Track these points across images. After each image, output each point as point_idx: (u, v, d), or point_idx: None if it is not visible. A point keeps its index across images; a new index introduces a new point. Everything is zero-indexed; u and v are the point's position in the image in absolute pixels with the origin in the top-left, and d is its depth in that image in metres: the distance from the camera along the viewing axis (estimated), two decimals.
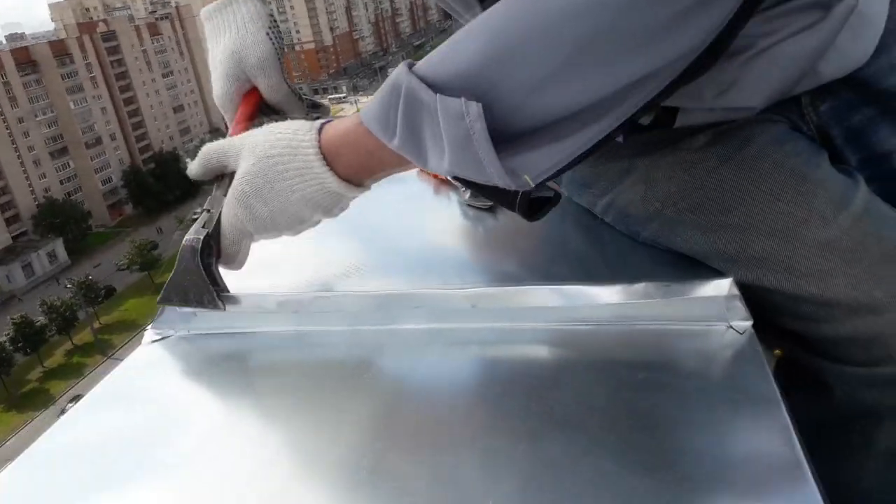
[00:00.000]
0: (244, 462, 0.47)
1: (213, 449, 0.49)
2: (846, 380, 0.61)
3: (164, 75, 65.83)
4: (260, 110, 0.72)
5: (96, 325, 39.52)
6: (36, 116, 54.24)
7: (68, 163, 56.92)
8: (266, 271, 0.72)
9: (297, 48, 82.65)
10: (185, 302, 0.64)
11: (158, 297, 0.65)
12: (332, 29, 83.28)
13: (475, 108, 0.45)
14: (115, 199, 58.20)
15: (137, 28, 64.90)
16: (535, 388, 0.53)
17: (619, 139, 0.69)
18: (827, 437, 0.62)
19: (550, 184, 0.53)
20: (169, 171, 53.39)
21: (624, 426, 0.46)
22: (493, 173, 0.48)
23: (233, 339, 0.64)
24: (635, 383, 0.51)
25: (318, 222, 0.63)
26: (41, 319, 35.72)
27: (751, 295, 0.59)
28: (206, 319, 0.65)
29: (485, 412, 0.50)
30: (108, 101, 60.38)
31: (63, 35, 61.90)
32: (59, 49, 57.30)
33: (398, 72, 0.50)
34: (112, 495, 0.45)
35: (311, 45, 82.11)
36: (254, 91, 0.72)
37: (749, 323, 0.56)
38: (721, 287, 0.56)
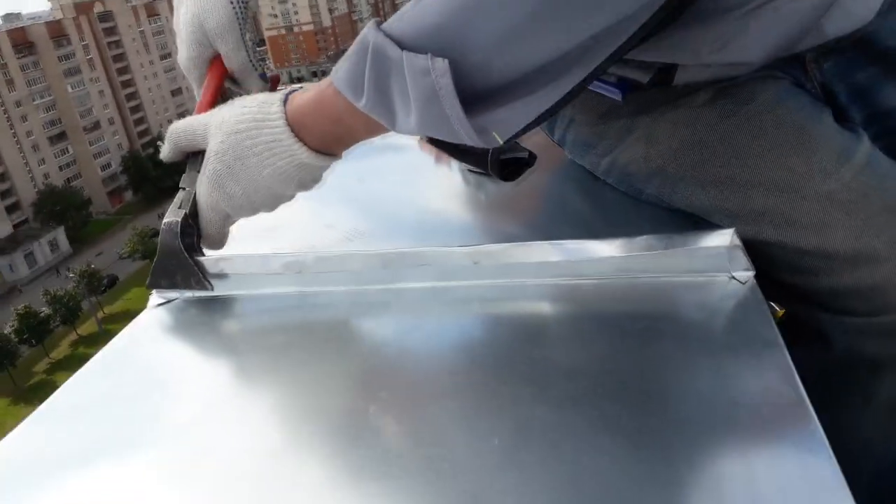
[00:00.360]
0: (247, 423, 0.48)
1: (216, 412, 0.50)
2: (846, 331, 0.61)
3: (162, 57, 65.39)
4: (227, 77, 0.71)
5: (100, 314, 39.64)
6: (34, 100, 54.01)
7: (67, 148, 56.82)
8: (268, 238, 0.73)
9: (296, 30, 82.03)
10: (174, 285, 0.65)
11: (147, 282, 0.66)
12: (330, 10, 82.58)
13: (441, 63, 0.45)
14: (115, 185, 58.14)
15: (134, 9, 64.37)
16: (537, 340, 0.53)
17: (619, 99, 0.69)
18: (828, 389, 0.63)
19: (526, 143, 0.53)
20: None
21: (626, 371, 0.47)
22: (461, 130, 0.48)
23: (236, 302, 0.65)
24: (638, 332, 0.52)
25: (292, 196, 0.63)
26: (45, 310, 35.83)
27: (751, 250, 0.59)
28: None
29: (490, 363, 0.51)
30: (105, 84, 60.11)
31: (59, 16, 61.38)
32: (55, 30, 56.93)
33: (366, 30, 0.50)
34: (116, 459, 0.46)
35: (310, 27, 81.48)
36: (219, 60, 0.71)
37: (751, 273, 0.56)
38: (723, 238, 0.56)
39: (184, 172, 0.65)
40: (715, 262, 0.57)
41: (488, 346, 0.54)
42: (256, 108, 0.58)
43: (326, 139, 0.58)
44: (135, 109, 62.55)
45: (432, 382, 0.50)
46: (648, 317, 0.54)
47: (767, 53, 0.63)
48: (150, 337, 0.62)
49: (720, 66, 0.64)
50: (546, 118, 0.49)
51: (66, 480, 0.45)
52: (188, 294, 0.65)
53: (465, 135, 0.48)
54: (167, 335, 0.63)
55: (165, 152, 0.65)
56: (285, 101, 0.58)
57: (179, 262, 0.63)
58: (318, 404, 0.49)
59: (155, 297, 0.66)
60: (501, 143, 0.50)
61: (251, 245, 0.68)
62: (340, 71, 0.52)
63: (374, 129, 0.55)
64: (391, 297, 0.62)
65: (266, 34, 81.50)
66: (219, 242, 0.65)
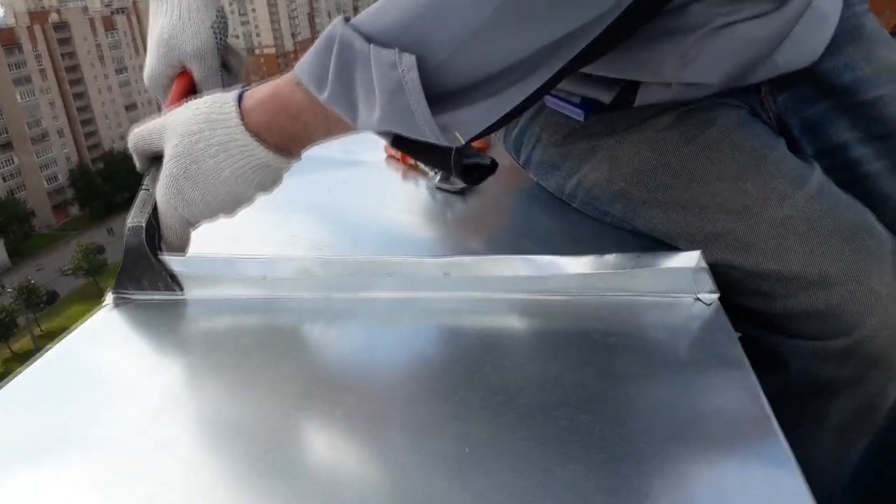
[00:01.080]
0: (200, 426, 0.46)
1: (167, 420, 0.47)
2: (801, 354, 0.63)
3: (118, 71, 64.23)
4: (192, 92, 0.70)
5: (37, 331, 38.05)
6: None
7: (12, 158, 54.95)
8: (232, 247, 0.71)
9: (257, 52, 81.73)
10: (141, 288, 0.63)
11: (113, 285, 0.63)
12: (293, 35, 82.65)
13: (408, 58, 0.46)
14: (61, 199, 56.33)
15: (92, 20, 63.24)
16: (507, 351, 0.53)
17: (580, 119, 0.71)
18: (784, 412, 0.64)
19: (487, 146, 0.53)
20: (119, 171, 51.80)
21: (595, 382, 0.47)
22: (425, 126, 0.48)
23: (196, 306, 0.63)
24: (606, 346, 0.52)
25: (252, 199, 0.61)
26: None
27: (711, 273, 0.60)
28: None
29: (459, 371, 0.50)
30: (56, 94, 58.61)
31: (12, 23, 59.81)
32: (7, 37, 55.45)
33: (334, 24, 0.50)
34: (52, 460, 0.43)
35: (272, 50, 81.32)
36: (186, 73, 0.70)
37: (716, 295, 0.57)
38: (689, 259, 0.57)
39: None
40: (681, 283, 0.58)
41: (458, 355, 0.53)
42: (209, 108, 0.56)
43: (283, 137, 0.56)
44: (86, 122, 61.01)
45: (401, 389, 0.49)
46: (616, 333, 0.54)
47: (726, 76, 0.66)
48: (101, 337, 0.60)
49: (681, 87, 0.66)
50: (508, 120, 0.50)
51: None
52: (147, 295, 0.63)
53: (429, 131, 0.49)
54: (120, 336, 0.60)
55: (137, 163, 0.63)
56: (240, 100, 0.56)
57: (147, 265, 0.61)
58: (280, 408, 0.47)
59: (110, 298, 0.63)
60: (463, 142, 0.50)
61: (213, 252, 0.66)
62: (304, 63, 0.52)
63: (332, 128, 0.55)
64: (358, 305, 0.61)
65: None
66: (180, 248, 0.63)
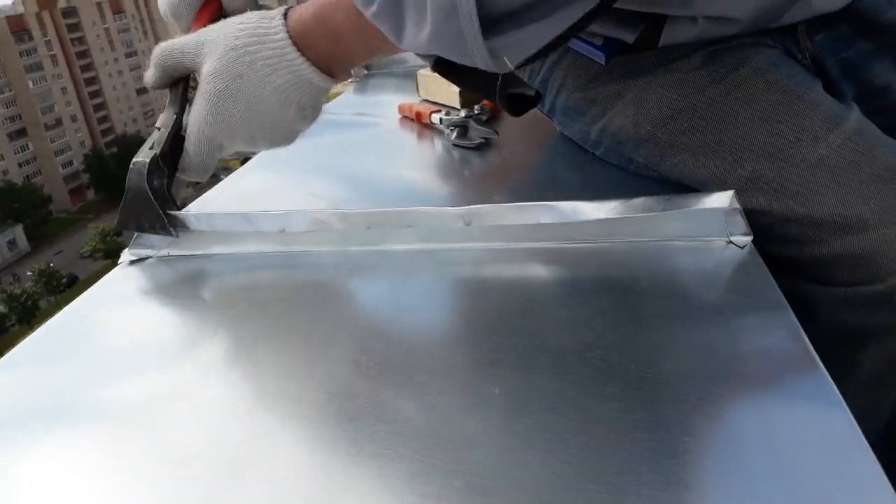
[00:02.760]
0: (223, 390, 0.44)
1: (186, 377, 0.45)
2: (830, 302, 0.61)
3: (128, 55, 64.16)
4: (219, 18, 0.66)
5: None
6: None
7: (27, 145, 55.35)
8: (250, 204, 0.70)
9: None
10: (140, 227, 0.61)
11: (115, 222, 0.63)
12: None
13: None
14: (77, 183, 56.75)
15: (99, 5, 63.13)
16: (534, 297, 0.51)
17: (602, 61, 0.68)
18: None
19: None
20: (132, 155, 51.93)
21: (628, 326, 0.45)
22: (475, 50, 0.46)
23: (214, 261, 0.61)
24: (637, 291, 0.50)
25: (290, 129, 0.59)
26: (1, 308, 34.76)
27: None
28: (186, 240, 0.62)
29: (485, 318, 0.49)
30: (68, 80, 58.79)
31: (21, 10, 59.83)
32: (17, 25, 55.53)
33: None
34: (60, 428, 0.42)
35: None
36: (212, 3, 0.67)
37: (749, 238, 0.55)
38: (722, 200, 0.55)
39: None
40: (712, 226, 0.56)
41: (483, 304, 0.51)
42: (256, 22, 0.55)
43: (325, 56, 0.55)
44: (98, 107, 61.16)
45: (427, 336, 0.48)
46: (646, 278, 0.52)
47: (756, 10, 0.63)
48: (116, 298, 0.59)
49: (708, 22, 0.63)
50: (556, 47, 0.48)
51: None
52: (164, 251, 0.62)
53: (478, 56, 0.47)
54: (136, 296, 0.59)
55: (151, 77, 0.61)
56: (286, 15, 0.55)
57: (144, 204, 0.60)
58: (303, 359, 0.46)
59: (126, 255, 0.62)
60: (511, 67, 0.48)
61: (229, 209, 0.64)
62: None
63: (374, 49, 0.54)
64: (378, 258, 0.59)
65: None
66: (203, 171, 0.61)
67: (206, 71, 0.56)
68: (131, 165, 0.60)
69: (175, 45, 0.59)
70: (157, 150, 0.59)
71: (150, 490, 0.35)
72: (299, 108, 0.57)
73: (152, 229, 0.61)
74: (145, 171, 0.59)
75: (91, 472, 0.37)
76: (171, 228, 0.60)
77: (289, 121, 0.58)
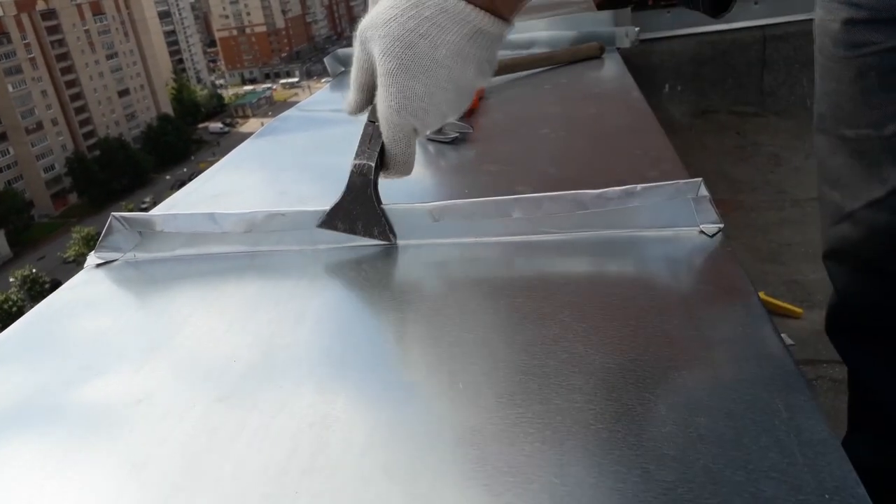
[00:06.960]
0: (184, 392, 0.44)
1: (147, 381, 0.44)
2: None
3: (109, 57, 63.48)
4: None
5: None
6: None
7: (7, 149, 54.67)
8: (220, 205, 0.69)
9: (248, 31, 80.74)
10: (353, 230, 0.59)
11: (319, 222, 0.59)
12: (284, 12, 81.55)
13: None
14: (59, 187, 56.12)
15: (79, 7, 62.43)
16: (500, 291, 0.51)
17: None
18: None
19: None
20: (115, 158, 51.52)
21: (595, 317, 0.44)
22: None
23: (180, 262, 0.61)
24: (606, 282, 0.50)
25: (472, 91, 0.54)
26: None
27: None
28: (153, 242, 0.61)
29: (452, 314, 0.48)
30: (48, 83, 58.09)
31: None
32: None
33: None
34: (28, 432, 0.41)
35: (263, 29, 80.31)
36: None
37: (720, 226, 0.54)
38: (690, 188, 0.55)
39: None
40: (682, 216, 0.55)
41: (450, 299, 0.51)
42: None
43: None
44: (80, 110, 60.47)
45: (391, 332, 0.47)
46: (615, 269, 0.52)
47: None
48: (82, 301, 0.57)
49: None
50: None
51: None
52: (129, 254, 0.61)
53: None
54: (102, 299, 0.58)
55: (352, 101, 0.57)
56: None
57: (366, 210, 0.58)
58: (262, 353, 0.45)
59: (93, 258, 0.61)
60: None
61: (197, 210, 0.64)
62: None
63: None
64: (347, 254, 0.58)
65: (217, 35, 80.00)
66: (404, 165, 0.57)
67: (376, 54, 0.52)
68: (353, 168, 0.57)
69: (345, 53, 0.54)
70: (377, 149, 0.56)
71: (110, 493, 0.34)
72: (477, 65, 0.52)
73: (367, 234, 0.58)
74: (372, 176, 0.56)
75: (49, 476, 0.36)
76: (392, 235, 0.58)
77: (469, 80, 0.53)
